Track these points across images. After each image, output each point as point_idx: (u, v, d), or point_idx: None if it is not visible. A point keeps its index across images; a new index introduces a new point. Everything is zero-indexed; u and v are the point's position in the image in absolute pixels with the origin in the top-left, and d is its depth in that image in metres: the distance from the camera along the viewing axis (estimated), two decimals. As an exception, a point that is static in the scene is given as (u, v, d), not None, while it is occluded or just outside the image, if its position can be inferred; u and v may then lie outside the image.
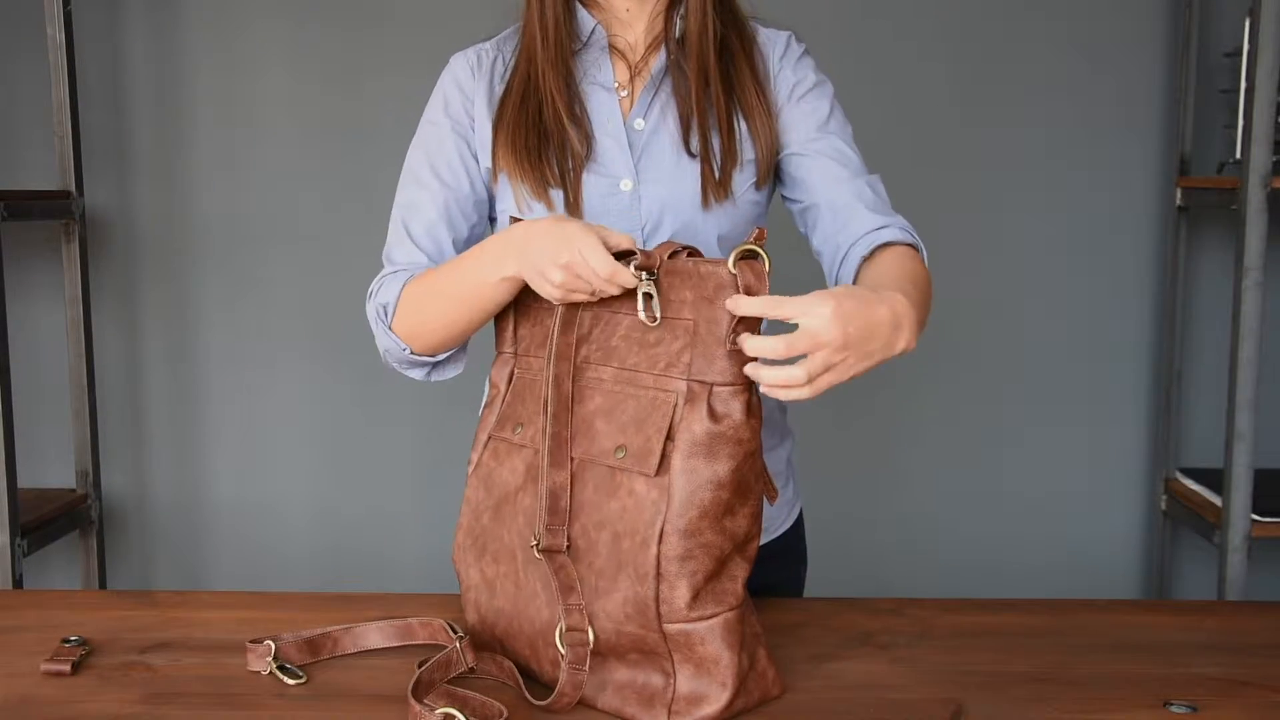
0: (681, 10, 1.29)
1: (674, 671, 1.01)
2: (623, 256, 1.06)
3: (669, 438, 1.00)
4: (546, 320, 1.13)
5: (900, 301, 1.04)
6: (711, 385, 1.00)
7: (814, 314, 0.98)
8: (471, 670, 1.08)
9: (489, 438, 1.17)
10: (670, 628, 0.99)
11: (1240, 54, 2.06)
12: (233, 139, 2.39)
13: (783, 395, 1.00)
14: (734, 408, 1.00)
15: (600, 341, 1.08)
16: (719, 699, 1.00)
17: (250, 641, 1.14)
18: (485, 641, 1.14)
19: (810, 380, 0.99)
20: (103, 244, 2.40)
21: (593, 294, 1.06)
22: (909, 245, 1.23)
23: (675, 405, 1.01)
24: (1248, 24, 2.03)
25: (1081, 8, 2.35)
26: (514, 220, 1.17)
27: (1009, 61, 2.36)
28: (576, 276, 1.05)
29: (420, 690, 1.01)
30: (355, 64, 2.36)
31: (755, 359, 0.99)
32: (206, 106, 2.38)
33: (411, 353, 1.26)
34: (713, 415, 0.99)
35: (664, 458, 1.00)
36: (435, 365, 1.29)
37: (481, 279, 1.15)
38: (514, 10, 1.34)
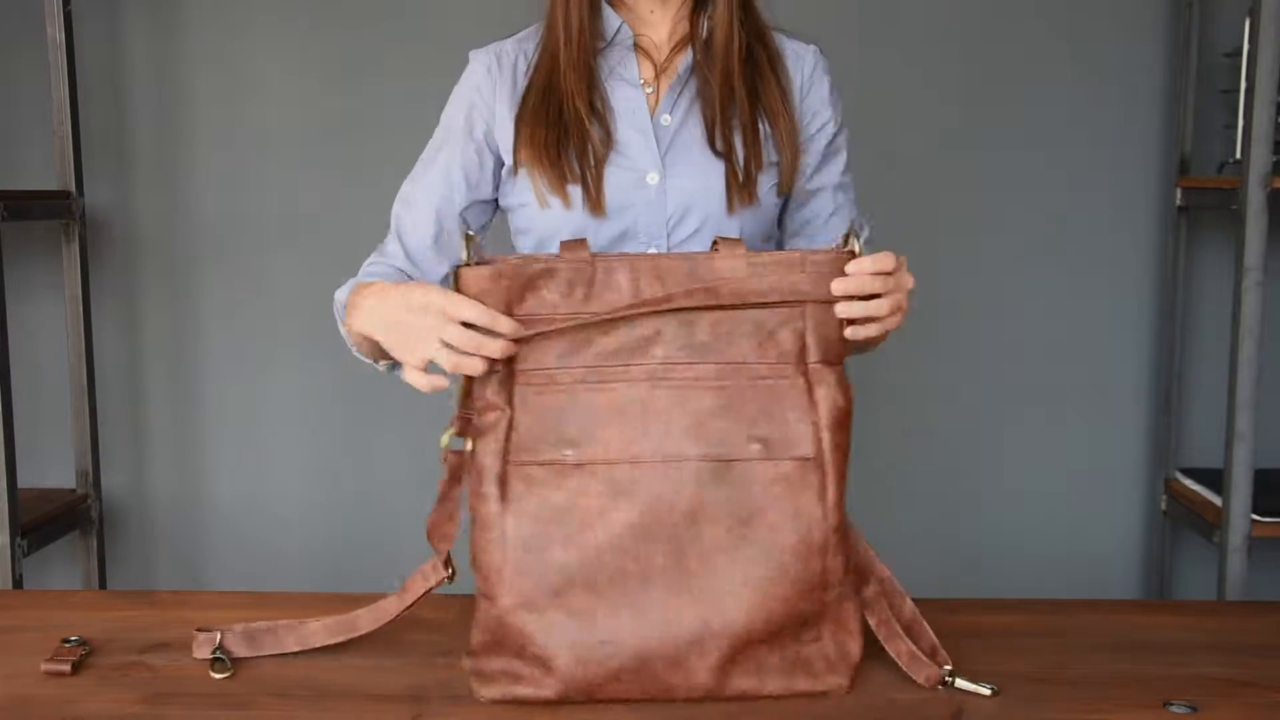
0: (707, 18, 1.31)
1: (825, 636, 1.08)
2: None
3: (809, 420, 1.07)
4: (546, 333, 1.06)
5: None
6: (832, 365, 1.08)
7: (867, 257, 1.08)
8: (452, 577, 1.20)
9: (507, 463, 1.06)
10: (829, 595, 1.07)
11: (1240, 54, 2.06)
12: (233, 139, 2.39)
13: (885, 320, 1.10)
14: (847, 385, 1.10)
15: (679, 343, 1.06)
16: (856, 650, 1.09)
17: (197, 630, 1.17)
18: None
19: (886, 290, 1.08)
20: (103, 244, 2.40)
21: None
22: None
23: (806, 389, 1.07)
24: (1248, 24, 2.03)
25: (1081, 8, 2.34)
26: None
27: (1008, 61, 2.36)
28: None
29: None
30: (356, 64, 2.36)
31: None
32: (206, 106, 2.38)
33: (358, 351, 1.29)
34: (843, 391, 1.09)
35: (811, 441, 1.07)
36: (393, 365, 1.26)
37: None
38: (535, 9, 1.36)
